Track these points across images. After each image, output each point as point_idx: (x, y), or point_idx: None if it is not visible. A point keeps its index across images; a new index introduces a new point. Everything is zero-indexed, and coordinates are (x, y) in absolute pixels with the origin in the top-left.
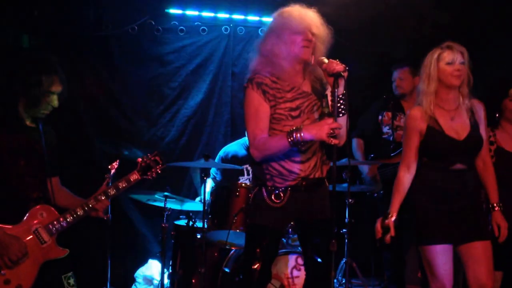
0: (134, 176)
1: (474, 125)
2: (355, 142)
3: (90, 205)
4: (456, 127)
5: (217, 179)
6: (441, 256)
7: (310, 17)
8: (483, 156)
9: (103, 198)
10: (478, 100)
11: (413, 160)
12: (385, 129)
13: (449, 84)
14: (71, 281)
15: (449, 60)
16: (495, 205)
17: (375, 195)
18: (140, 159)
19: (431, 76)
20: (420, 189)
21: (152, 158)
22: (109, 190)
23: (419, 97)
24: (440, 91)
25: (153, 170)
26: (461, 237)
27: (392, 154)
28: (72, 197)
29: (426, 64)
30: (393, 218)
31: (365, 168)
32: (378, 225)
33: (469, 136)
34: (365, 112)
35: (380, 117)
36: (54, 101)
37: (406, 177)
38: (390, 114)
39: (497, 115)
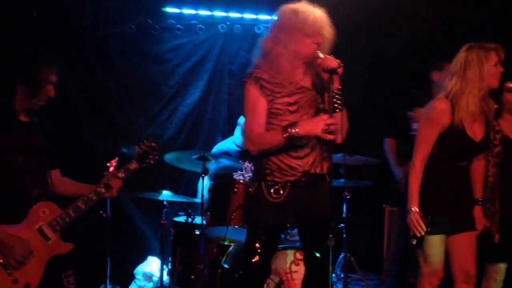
0: (133, 165)
1: (487, 127)
2: (387, 142)
3: (90, 197)
4: (475, 128)
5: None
6: (437, 246)
7: (321, 19)
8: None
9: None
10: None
11: (429, 151)
12: (415, 126)
13: (493, 86)
14: (71, 279)
15: (495, 62)
16: (480, 200)
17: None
18: (137, 147)
19: (483, 77)
20: (425, 181)
21: (148, 144)
22: (110, 182)
23: (449, 97)
24: (483, 91)
25: (150, 156)
26: (453, 228)
27: None
28: (75, 184)
29: (472, 64)
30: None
31: (399, 172)
32: (421, 221)
33: (484, 139)
34: (392, 109)
35: (410, 113)
36: (51, 91)
37: (422, 168)
38: (420, 110)
39: (496, 106)
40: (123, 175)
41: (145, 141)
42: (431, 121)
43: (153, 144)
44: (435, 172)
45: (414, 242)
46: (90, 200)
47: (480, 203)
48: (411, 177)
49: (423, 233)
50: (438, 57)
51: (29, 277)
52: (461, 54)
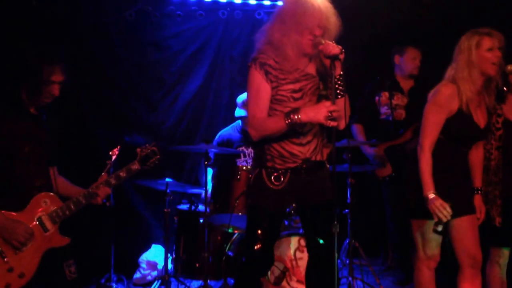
0: (135, 166)
1: (488, 114)
2: (355, 128)
3: (91, 191)
4: (480, 114)
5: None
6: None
7: (322, 10)
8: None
9: (104, 185)
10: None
11: (437, 137)
12: (383, 110)
13: (487, 73)
14: (72, 268)
15: (489, 47)
16: (480, 189)
17: (387, 178)
18: (139, 150)
19: (472, 62)
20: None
21: (150, 149)
22: (111, 180)
23: (450, 78)
24: (474, 77)
25: (151, 160)
26: (454, 211)
27: (400, 132)
28: (70, 186)
29: (463, 50)
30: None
31: (371, 153)
32: (447, 207)
33: (487, 126)
34: (359, 97)
35: (377, 98)
36: (56, 90)
37: (431, 153)
38: (387, 94)
39: (505, 88)
40: (124, 175)
41: (147, 144)
42: (439, 106)
43: (154, 148)
44: (438, 157)
45: (440, 228)
46: (90, 195)
47: (480, 191)
48: (422, 163)
49: (449, 218)
50: (401, 41)
51: (24, 266)
52: (459, 41)
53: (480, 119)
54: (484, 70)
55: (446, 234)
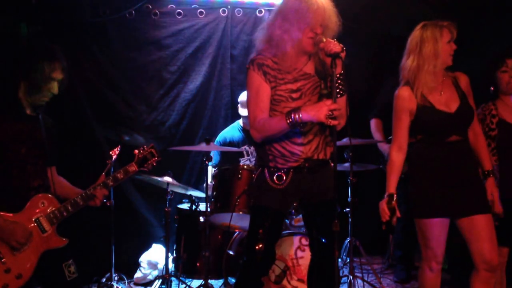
0: (132, 168)
1: (463, 97)
2: (373, 122)
3: (89, 193)
4: (446, 100)
5: (214, 162)
6: (435, 229)
7: (326, 8)
8: (474, 127)
9: (102, 187)
10: (461, 72)
11: (404, 140)
12: None
13: (446, 63)
14: (72, 268)
15: (449, 39)
16: (491, 171)
17: (402, 175)
18: (136, 151)
19: (438, 54)
20: (416, 164)
21: (148, 151)
22: (108, 181)
23: (409, 75)
24: (438, 68)
25: (149, 162)
26: (460, 211)
27: None
28: (68, 186)
29: (428, 40)
30: (395, 198)
31: (386, 150)
32: (385, 207)
33: (460, 107)
34: (379, 92)
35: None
36: (55, 88)
37: (399, 157)
38: None
39: (492, 88)
40: (121, 177)
41: (145, 147)
42: (398, 110)
43: (152, 150)
44: (425, 157)
45: (384, 227)
46: (88, 196)
47: (491, 174)
48: (387, 165)
49: (388, 218)
50: None
51: (21, 267)
52: (416, 33)
53: (449, 103)
54: (444, 60)
55: (452, 234)
